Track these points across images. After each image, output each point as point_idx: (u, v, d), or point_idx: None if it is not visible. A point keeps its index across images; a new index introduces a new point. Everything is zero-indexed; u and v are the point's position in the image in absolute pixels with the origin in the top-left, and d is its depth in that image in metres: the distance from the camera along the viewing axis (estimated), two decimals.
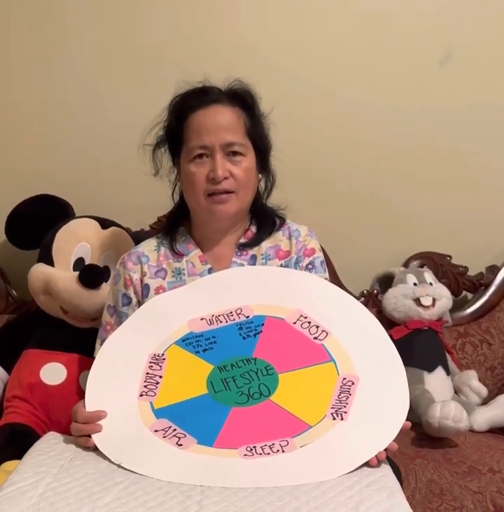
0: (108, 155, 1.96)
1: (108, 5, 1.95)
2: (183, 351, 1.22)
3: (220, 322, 1.24)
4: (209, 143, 1.26)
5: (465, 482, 1.44)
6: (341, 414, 1.10)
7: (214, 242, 1.36)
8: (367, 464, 1.05)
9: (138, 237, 1.64)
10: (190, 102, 1.30)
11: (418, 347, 1.80)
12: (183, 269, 1.35)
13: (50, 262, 1.62)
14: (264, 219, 1.38)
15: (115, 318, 1.35)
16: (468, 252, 2.06)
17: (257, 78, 1.34)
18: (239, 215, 1.34)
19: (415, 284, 1.90)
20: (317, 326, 1.21)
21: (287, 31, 1.99)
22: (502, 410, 1.73)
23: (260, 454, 1.07)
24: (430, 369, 1.78)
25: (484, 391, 1.80)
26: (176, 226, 1.38)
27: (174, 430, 1.12)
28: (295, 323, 1.22)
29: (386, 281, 1.97)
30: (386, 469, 1.06)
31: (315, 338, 1.20)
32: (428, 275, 1.94)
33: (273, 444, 1.08)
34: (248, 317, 1.23)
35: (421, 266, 2.01)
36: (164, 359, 1.21)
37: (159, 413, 1.15)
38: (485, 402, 1.79)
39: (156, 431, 1.13)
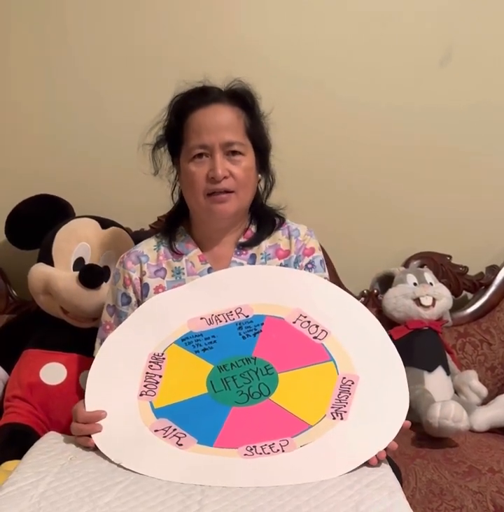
0: (108, 155, 1.96)
1: (108, 5, 1.96)
2: (182, 350, 1.21)
3: (220, 321, 1.24)
4: (209, 143, 1.27)
5: (465, 482, 1.44)
6: (341, 413, 1.10)
7: (214, 241, 1.36)
8: (367, 464, 1.05)
9: (138, 237, 1.64)
10: (190, 102, 1.30)
11: (418, 347, 1.80)
12: (183, 269, 1.35)
13: (50, 262, 1.62)
14: (264, 219, 1.38)
15: (114, 318, 1.35)
16: (468, 252, 2.06)
17: (257, 78, 1.34)
18: (239, 215, 1.34)
19: (415, 284, 1.90)
20: (317, 326, 1.21)
21: (287, 31, 1.99)
22: (502, 410, 1.73)
23: (260, 453, 1.07)
24: (430, 369, 1.77)
25: (484, 391, 1.80)
26: (175, 225, 1.38)
27: (174, 430, 1.12)
28: (294, 322, 1.22)
29: (386, 281, 1.97)
30: (386, 468, 1.06)
31: (315, 337, 1.20)
32: (428, 275, 1.94)
33: (273, 444, 1.08)
34: (247, 316, 1.23)
35: (421, 266, 2.01)
36: (163, 358, 1.21)
37: (159, 413, 1.15)
38: (485, 402, 1.79)
39: (156, 430, 1.13)
